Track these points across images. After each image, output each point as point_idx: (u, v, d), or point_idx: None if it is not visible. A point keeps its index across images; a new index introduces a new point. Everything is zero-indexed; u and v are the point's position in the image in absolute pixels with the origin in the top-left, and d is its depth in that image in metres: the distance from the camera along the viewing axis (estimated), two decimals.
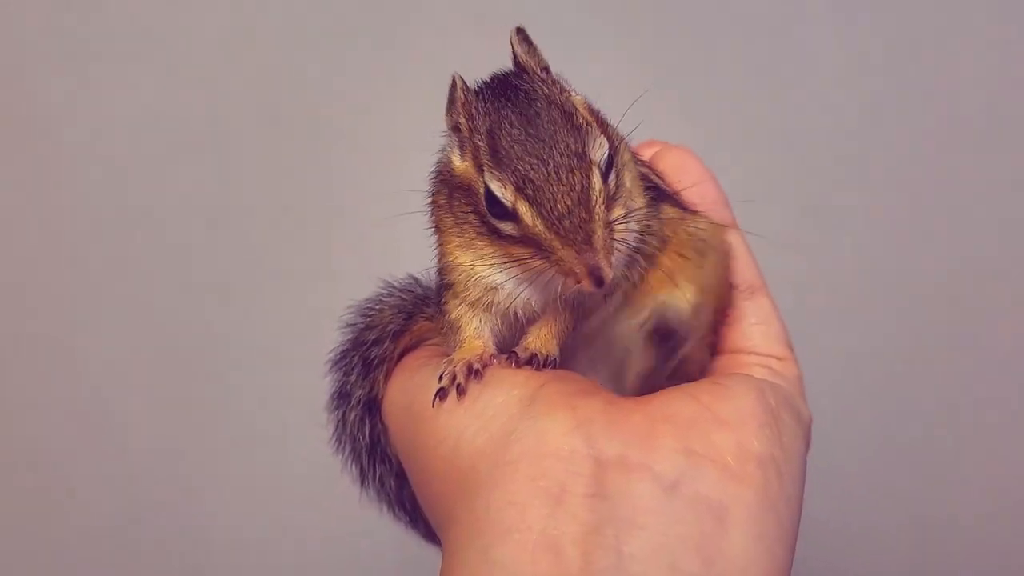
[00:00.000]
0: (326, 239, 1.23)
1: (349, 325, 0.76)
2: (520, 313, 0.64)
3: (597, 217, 0.57)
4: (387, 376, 0.73)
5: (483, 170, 0.59)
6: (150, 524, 1.27)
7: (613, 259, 0.57)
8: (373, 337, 0.74)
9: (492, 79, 0.63)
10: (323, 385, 0.76)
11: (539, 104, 0.59)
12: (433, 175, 0.67)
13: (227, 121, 1.21)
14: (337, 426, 0.76)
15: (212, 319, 1.24)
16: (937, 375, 1.25)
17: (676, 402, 0.58)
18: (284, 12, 1.21)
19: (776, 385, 0.64)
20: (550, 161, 0.56)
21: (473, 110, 0.60)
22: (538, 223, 0.57)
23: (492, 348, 0.64)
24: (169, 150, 1.22)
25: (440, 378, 0.61)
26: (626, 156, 0.64)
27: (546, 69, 0.64)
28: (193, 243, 1.24)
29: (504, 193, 0.57)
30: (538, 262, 0.58)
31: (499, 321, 0.65)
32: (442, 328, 0.68)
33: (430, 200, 0.67)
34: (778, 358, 0.68)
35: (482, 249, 0.62)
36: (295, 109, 1.22)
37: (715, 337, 0.69)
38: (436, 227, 0.67)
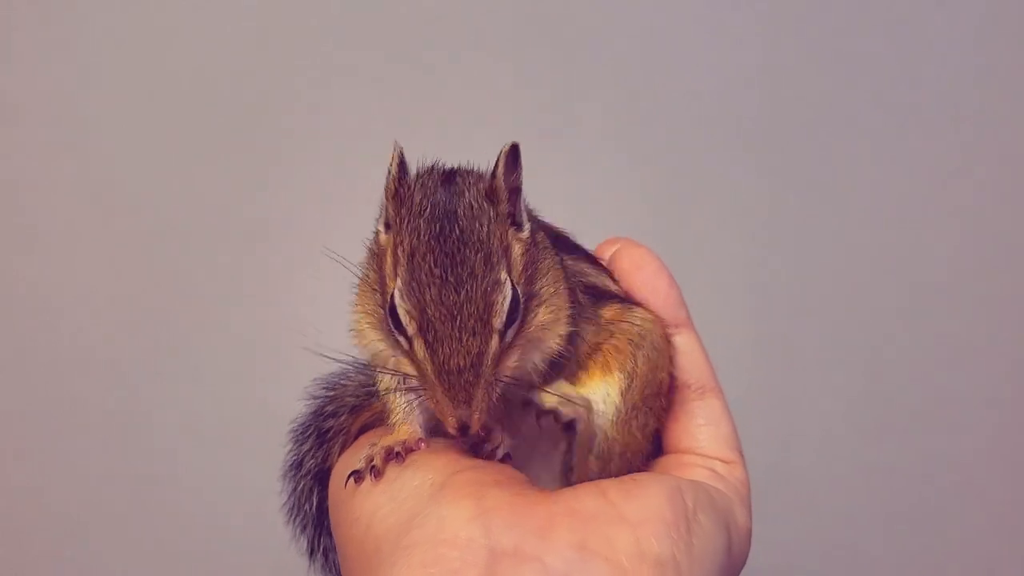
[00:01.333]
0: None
1: (313, 397, 0.78)
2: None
3: (482, 381, 0.58)
4: (342, 450, 0.74)
5: (395, 278, 0.59)
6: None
7: (487, 407, 0.59)
8: (331, 409, 0.76)
9: (443, 178, 0.62)
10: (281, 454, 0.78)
11: (469, 252, 0.58)
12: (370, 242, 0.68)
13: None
14: (290, 496, 0.77)
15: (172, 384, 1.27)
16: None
17: (583, 497, 0.58)
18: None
19: (704, 487, 0.62)
20: (457, 318, 0.57)
21: (406, 202, 0.60)
22: (428, 367, 0.58)
23: (419, 432, 0.65)
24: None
25: (360, 460, 0.62)
26: (555, 281, 0.64)
27: (515, 191, 0.63)
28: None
29: (407, 323, 0.58)
30: (420, 382, 0.60)
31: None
32: None
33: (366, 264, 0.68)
34: (723, 461, 0.67)
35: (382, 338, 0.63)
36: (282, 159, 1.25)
37: (657, 424, 0.68)
38: (358, 288, 0.67)
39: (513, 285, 0.59)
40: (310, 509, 0.76)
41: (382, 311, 0.61)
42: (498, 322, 0.58)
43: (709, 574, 0.57)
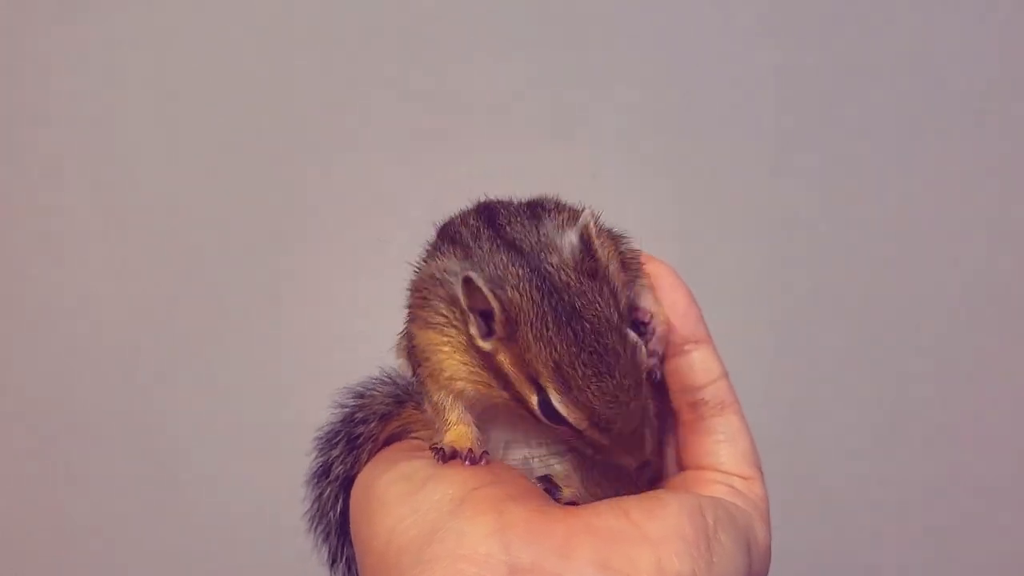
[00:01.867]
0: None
1: (341, 406, 0.79)
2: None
3: (648, 435, 0.63)
4: (369, 456, 0.75)
5: (542, 387, 0.60)
6: None
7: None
8: (361, 416, 0.77)
9: (541, 280, 0.61)
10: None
11: (605, 339, 0.59)
12: (419, 284, 0.68)
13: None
14: (313, 503, 0.78)
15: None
16: None
17: (604, 515, 0.58)
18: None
19: (724, 504, 0.62)
20: (620, 396, 0.59)
21: (517, 319, 0.60)
22: (606, 442, 0.61)
23: (477, 443, 0.66)
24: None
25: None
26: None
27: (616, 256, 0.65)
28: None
29: (576, 423, 0.60)
30: (586, 447, 0.63)
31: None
32: (427, 415, 0.70)
33: (414, 310, 0.68)
34: (742, 477, 0.67)
35: (499, 398, 0.64)
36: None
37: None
38: (421, 334, 0.67)
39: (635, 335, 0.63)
40: (334, 517, 0.76)
41: (513, 401, 0.63)
42: (643, 375, 0.62)
43: None
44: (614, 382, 0.59)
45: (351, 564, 0.77)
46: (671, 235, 1.22)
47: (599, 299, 0.60)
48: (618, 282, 0.64)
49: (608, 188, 1.24)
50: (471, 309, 0.61)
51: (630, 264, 0.68)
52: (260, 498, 1.21)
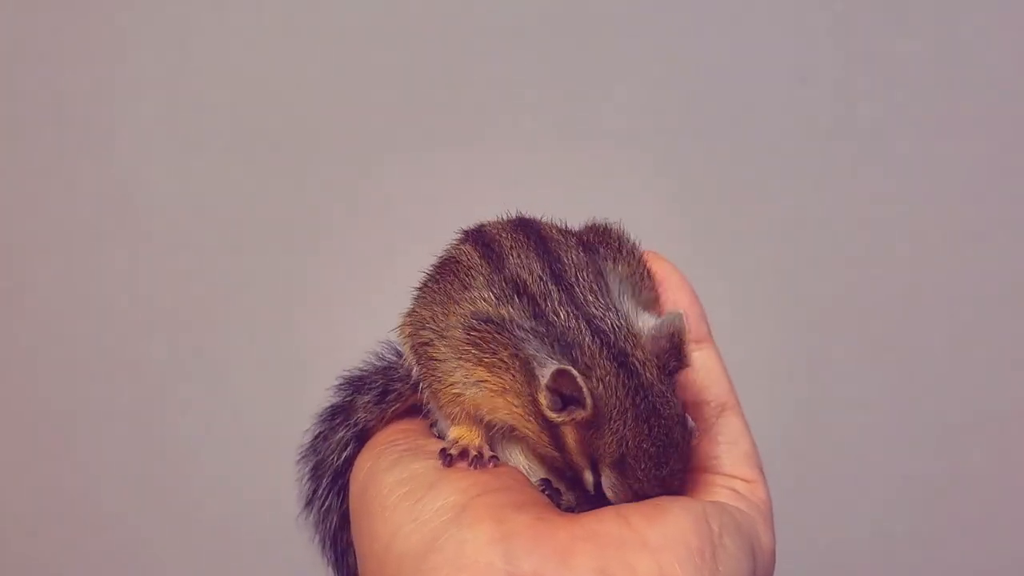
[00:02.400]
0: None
1: (380, 357, 0.78)
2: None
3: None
4: (382, 420, 0.74)
5: (600, 473, 0.61)
6: None
7: None
8: (399, 375, 0.75)
9: (628, 374, 0.60)
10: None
11: (677, 432, 0.60)
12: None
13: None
14: (317, 437, 0.77)
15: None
16: None
17: (606, 522, 0.57)
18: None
19: (728, 509, 0.61)
20: (668, 481, 0.61)
21: (600, 410, 0.60)
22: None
23: (487, 447, 0.66)
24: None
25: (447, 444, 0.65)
26: None
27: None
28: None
29: (620, 502, 0.61)
30: None
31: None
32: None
33: (468, 338, 0.66)
34: (744, 480, 0.66)
35: (536, 442, 0.64)
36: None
37: None
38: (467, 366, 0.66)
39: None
40: (335, 461, 0.76)
41: (554, 451, 0.63)
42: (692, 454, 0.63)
43: None
44: (667, 470, 0.60)
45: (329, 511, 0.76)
46: (679, 235, 1.21)
47: (674, 399, 0.61)
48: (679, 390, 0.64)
49: (622, 188, 1.23)
50: (548, 388, 0.60)
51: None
52: (269, 500, 1.21)
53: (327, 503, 0.76)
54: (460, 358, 0.64)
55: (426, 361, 0.67)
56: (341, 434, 0.76)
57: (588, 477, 0.62)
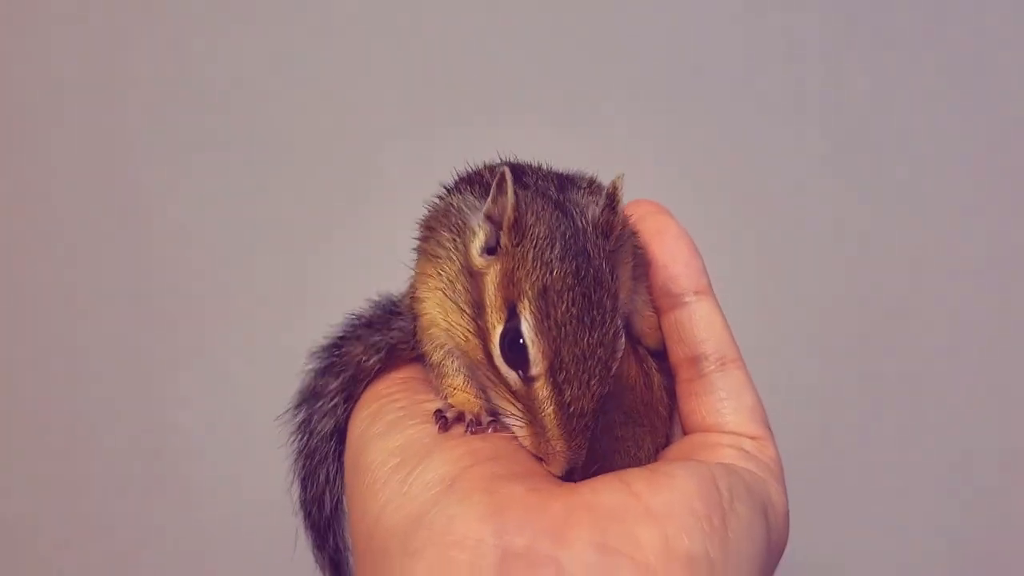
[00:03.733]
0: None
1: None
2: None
3: (596, 425, 0.57)
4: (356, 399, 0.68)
5: (517, 312, 0.56)
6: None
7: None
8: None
9: (559, 208, 0.59)
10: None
11: (602, 294, 0.56)
12: (431, 218, 0.66)
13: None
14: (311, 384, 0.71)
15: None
16: None
17: (603, 490, 0.53)
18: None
19: (737, 471, 0.57)
20: (588, 362, 0.56)
21: (528, 232, 0.57)
22: (549, 409, 0.56)
23: (485, 412, 0.61)
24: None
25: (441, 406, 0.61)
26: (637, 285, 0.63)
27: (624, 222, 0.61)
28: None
29: (536, 362, 0.56)
30: (519, 420, 0.58)
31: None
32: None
33: (421, 243, 0.66)
34: (751, 438, 0.61)
35: (462, 336, 0.60)
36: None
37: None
38: (420, 268, 0.65)
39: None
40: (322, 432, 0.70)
41: (476, 337, 0.59)
42: (615, 367, 0.57)
43: (748, 566, 0.52)
44: (592, 337, 0.55)
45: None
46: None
47: (606, 259, 0.57)
48: (624, 275, 0.60)
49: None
50: (488, 217, 0.59)
51: (639, 263, 0.64)
52: (269, 500, 1.19)
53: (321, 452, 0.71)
54: (420, 262, 0.63)
55: (412, 311, 0.65)
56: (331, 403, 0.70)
57: (499, 330, 0.56)
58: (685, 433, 0.65)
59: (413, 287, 0.66)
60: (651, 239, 0.65)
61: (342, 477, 0.68)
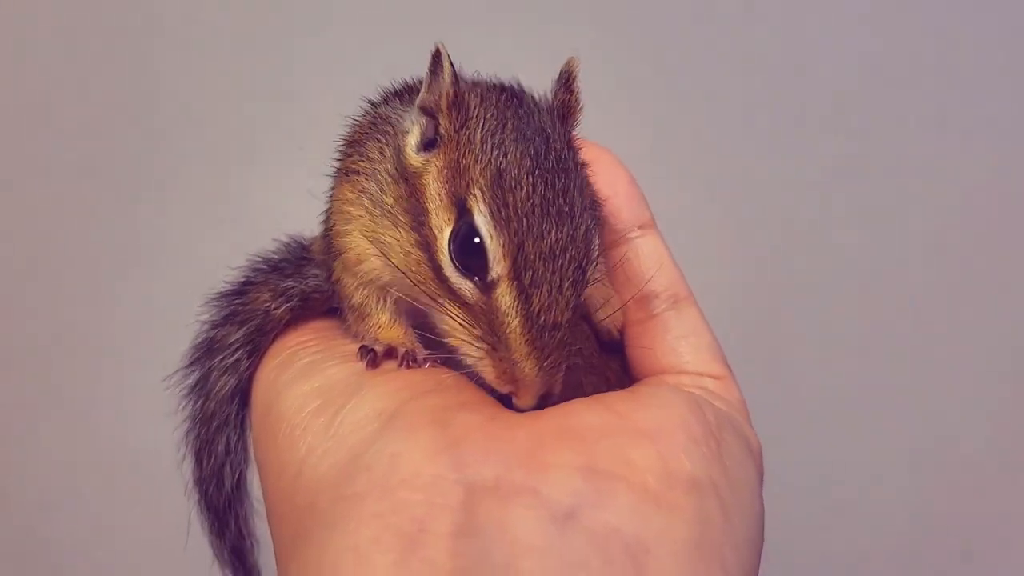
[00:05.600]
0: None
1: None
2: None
3: (572, 346, 0.47)
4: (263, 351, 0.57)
5: (468, 207, 0.46)
6: None
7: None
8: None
9: (507, 91, 0.51)
10: None
11: (568, 181, 0.47)
12: (354, 133, 0.56)
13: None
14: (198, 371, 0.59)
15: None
16: None
17: (580, 412, 0.45)
18: None
19: (712, 403, 0.50)
20: (559, 261, 0.45)
21: (473, 115, 0.48)
22: (514, 323, 0.45)
23: (418, 345, 0.51)
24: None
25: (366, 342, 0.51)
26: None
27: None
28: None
29: (496, 260, 0.45)
30: (476, 344, 0.46)
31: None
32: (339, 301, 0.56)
33: (340, 163, 0.56)
34: (713, 377, 0.55)
35: (400, 253, 0.49)
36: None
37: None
38: (337, 195, 0.54)
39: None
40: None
41: (417, 249, 0.48)
42: (591, 273, 0.47)
43: (749, 501, 0.45)
44: (561, 231, 0.45)
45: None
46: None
47: (568, 143, 0.49)
48: (586, 170, 0.53)
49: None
50: (422, 109, 0.49)
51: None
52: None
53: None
54: (341, 186, 0.54)
55: (328, 250, 0.55)
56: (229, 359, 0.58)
57: (446, 233, 0.46)
58: (640, 377, 0.57)
59: (329, 222, 0.55)
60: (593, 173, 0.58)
61: (245, 447, 0.58)
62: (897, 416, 1.16)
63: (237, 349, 0.56)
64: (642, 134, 1.09)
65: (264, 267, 0.60)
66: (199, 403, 0.58)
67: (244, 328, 0.57)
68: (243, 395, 0.57)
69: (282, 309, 0.57)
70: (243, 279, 0.60)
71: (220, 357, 0.57)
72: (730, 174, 1.12)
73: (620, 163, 0.58)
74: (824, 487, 1.16)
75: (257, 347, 0.56)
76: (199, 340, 0.59)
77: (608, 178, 0.57)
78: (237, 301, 0.58)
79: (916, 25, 1.12)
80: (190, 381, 0.59)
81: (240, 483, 0.59)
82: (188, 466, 0.59)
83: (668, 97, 1.12)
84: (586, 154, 0.57)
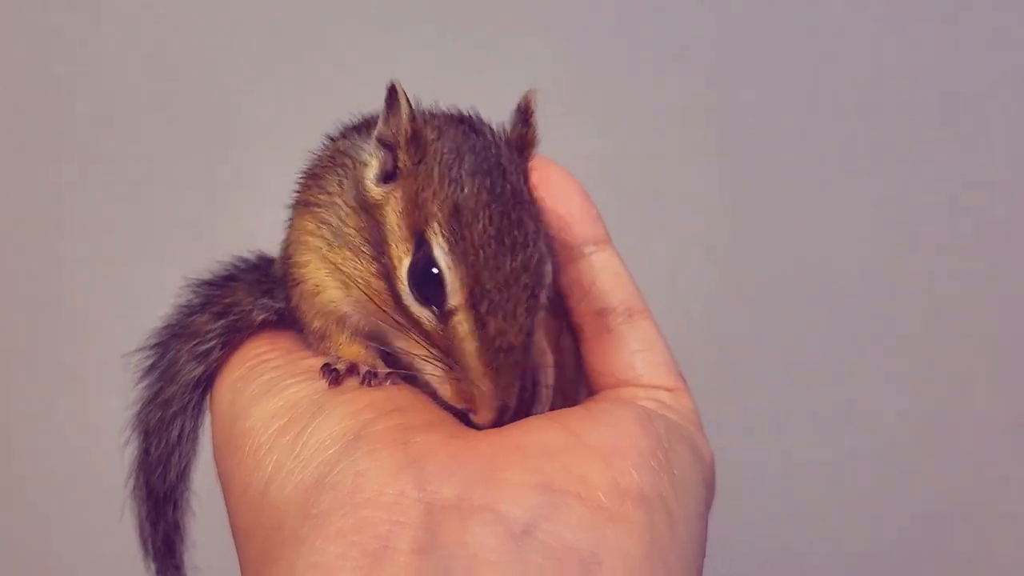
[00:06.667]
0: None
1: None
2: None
3: (526, 364, 0.50)
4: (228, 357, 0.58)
5: (426, 239, 0.48)
6: None
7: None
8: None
9: (465, 123, 0.53)
10: None
11: (522, 213, 0.49)
12: (313, 167, 0.58)
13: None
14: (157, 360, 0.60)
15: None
16: None
17: (536, 430, 0.47)
18: None
19: (664, 415, 0.53)
20: (513, 289, 0.48)
21: (430, 149, 0.50)
22: (472, 347, 0.48)
23: (381, 362, 0.53)
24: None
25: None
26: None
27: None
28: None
29: (454, 291, 0.48)
30: (435, 364, 0.49)
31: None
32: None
33: (300, 195, 0.57)
34: (668, 389, 0.57)
35: (361, 282, 0.52)
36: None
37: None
38: (296, 226, 0.56)
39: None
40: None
41: (378, 279, 0.50)
42: (543, 297, 0.50)
43: (695, 512, 0.48)
44: (515, 261, 0.48)
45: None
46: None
47: (523, 176, 0.52)
48: (539, 200, 0.55)
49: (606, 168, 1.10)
50: (380, 141, 0.51)
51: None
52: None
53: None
54: (300, 217, 0.55)
55: (288, 278, 0.57)
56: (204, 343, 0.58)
57: (405, 264, 0.49)
58: (593, 392, 0.59)
59: (287, 252, 0.57)
60: (542, 190, 0.59)
61: (195, 437, 0.59)
62: (897, 416, 1.18)
63: (213, 338, 0.57)
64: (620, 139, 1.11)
65: (244, 267, 0.62)
66: (160, 386, 0.59)
67: (222, 321, 0.58)
68: (206, 384, 0.58)
69: (257, 314, 0.58)
70: (226, 273, 0.62)
71: (194, 343, 0.58)
72: (710, 182, 1.14)
73: (573, 181, 0.60)
74: (819, 488, 1.19)
75: (229, 343, 0.58)
76: (173, 321, 0.60)
77: (562, 195, 0.59)
78: (217, 293, 0.60)
79: (906, 24, 1.14)
80: (155, 362, 0.59)
81: (185, 473, 0.60)
82: (132, 449, 0.59)
83: (648, 98, 1.14)
84: (541, 171, 0.59)
